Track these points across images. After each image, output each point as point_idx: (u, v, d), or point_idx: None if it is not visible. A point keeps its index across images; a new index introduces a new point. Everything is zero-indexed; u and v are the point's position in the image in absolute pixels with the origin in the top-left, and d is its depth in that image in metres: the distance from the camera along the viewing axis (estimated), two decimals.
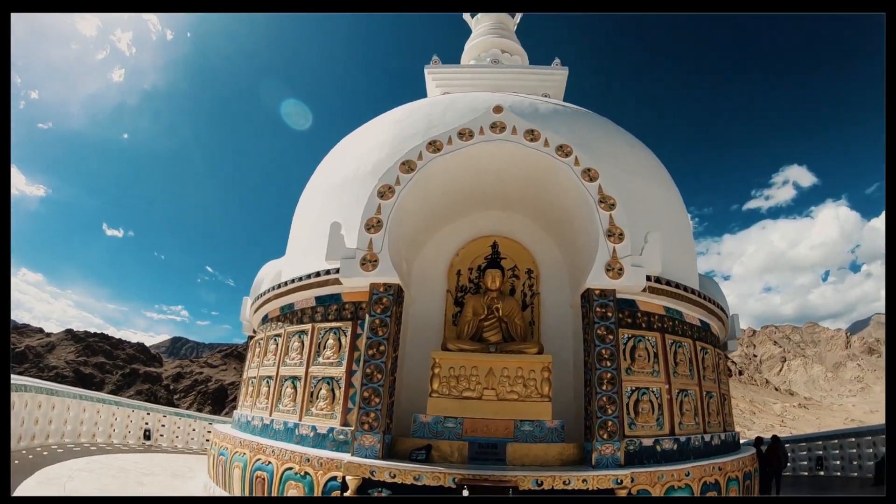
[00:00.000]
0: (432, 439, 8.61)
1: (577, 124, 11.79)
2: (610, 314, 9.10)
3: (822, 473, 15.99)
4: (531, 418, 8.88)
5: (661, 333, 10.05)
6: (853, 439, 15.32)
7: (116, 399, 17.98)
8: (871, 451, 14.51)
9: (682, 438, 9.60)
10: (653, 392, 9.50)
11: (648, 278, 9.59)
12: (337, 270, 9.40)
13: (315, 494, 8.07)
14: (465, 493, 7.03)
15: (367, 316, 8.84)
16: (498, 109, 9.92)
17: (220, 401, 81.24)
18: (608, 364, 8.80)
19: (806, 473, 16.68)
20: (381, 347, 8.61)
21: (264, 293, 11.34)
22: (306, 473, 8.28)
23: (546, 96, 15.14)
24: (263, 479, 8.83)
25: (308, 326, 9.95)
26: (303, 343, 9.94)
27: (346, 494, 7.65)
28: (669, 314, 10.42)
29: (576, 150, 9.66)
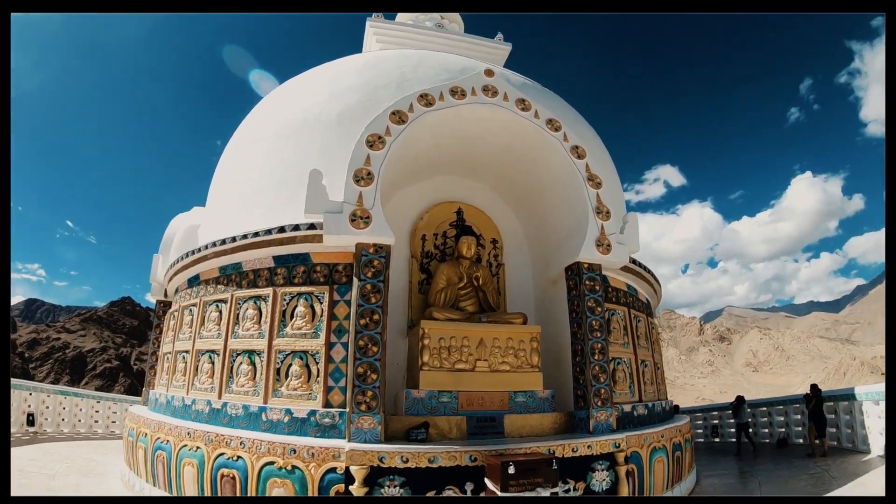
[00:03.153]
0: (428, 416, 7.47)
1: (552, 101, 11.24)
2: (598, 287, 8.82)
3: (716, 440, 17.50)
4: (524, 389, 8.25)
5: (628, 308, 10.10)
6: (765, 409, 16.73)
7: None
8: (781, 419, 15.86)
9: (650, 404, 9.88)
10: (625, 362, 9.50)
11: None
12: (303, 227, 7.88)
13: (310, 491, 6.45)
14: (512, 469, 6.17)
15: (356, 280, 7.33)
16: (489, 73, 9.05)
17: (79, 369, 70.55)
18: (598, 335, 8.56)
19: (702, 440, 18.07)
20: (376, 316, 7.21)
21: (199, 249, 9.15)
22: (294, 468, 6.61)
23: None
24: (233, 478, 6.94)
25: (267, 291, 8.14)
26: (260, 310, 8.12)
27: (353, 488, 6.24)
28: (630, 290, 10.54)
29: (564, 127, 9.27)
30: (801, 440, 14.05)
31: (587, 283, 8.75)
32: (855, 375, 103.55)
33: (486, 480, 6.46)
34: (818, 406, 12.98)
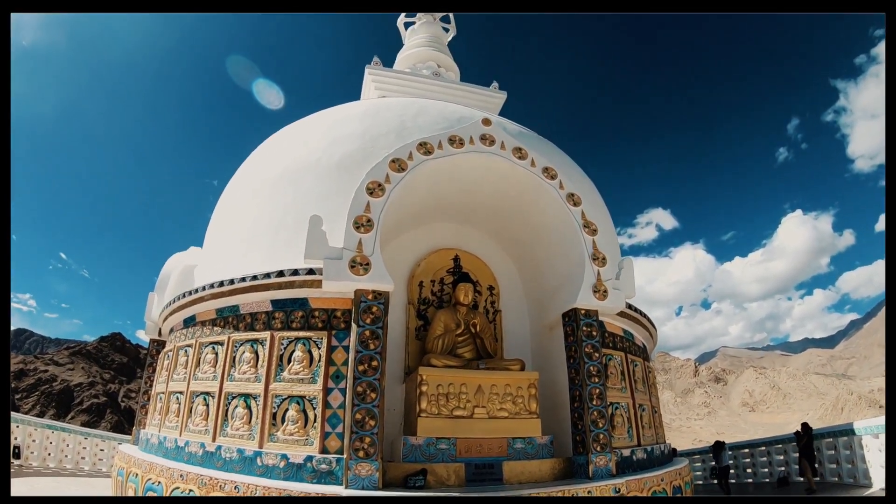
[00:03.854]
0: (426, 462, 7.37)
1: (548, 149, 11.48)
2: (595, 333, 8.86)
3: (716, 482, 17.28)
4: (522, 435, 8.19)
5: (625, 353, 10.12)
6: (763, 448, 16.63)
7: None
8: (781, 457, 15.75)
9: (648, 448, 9.81)
10: (622, 407, 9.46)
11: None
12: (302, 271, 7.93)
13: None
14: None
15: (354, 326, 7.33)
16: (487, 122, 9.25)
17: (65, 403, 69.05)
18: (596, 380, 8.56)
19: (701, 482, 17.88)
20: (374, 363, 7.19)
21: (196, 290, 9.13)
22: None
23: None
24: None
25: (265, 335, 8.10)
26: (257, 354, 8.05)
27: None
28: (626, 335, 10.59)
29: (560, 175, 9.45)
30: (801, 479, 13.97)
31: (584, 328, 8.79)
32: (853, 410, 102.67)
33: None
34: (809, 443, 13.18)
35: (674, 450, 13.45)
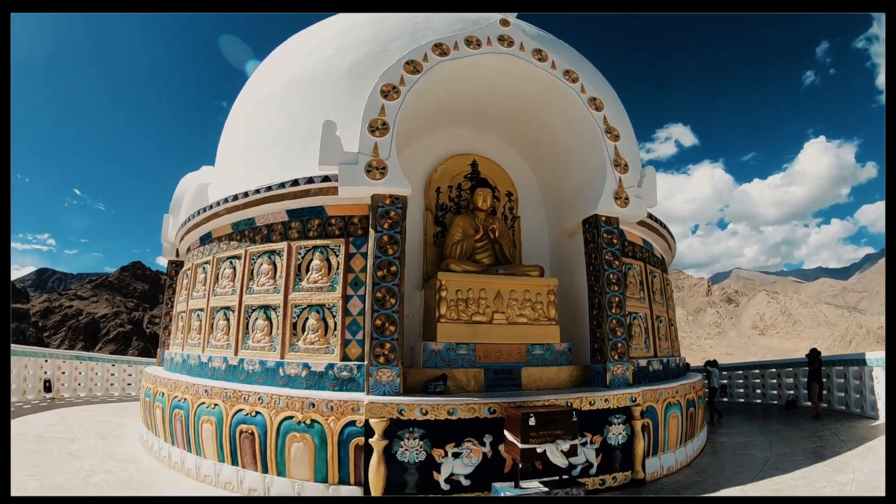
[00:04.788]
0: (445, 368, 7.45)
1: (568, 52, 10.91)
2: (616, 241, 8.70)
3: (724, 399, 17.55)
4: (541, 342, 8.20)
5: (644, 263, 9.97)
6: (774, 370, 16.75)
7: (11, 348, 14.29)
8: (790, 380, 15.89)
9: (664, 360, 9.83)
10: (640, 317, 9.40)
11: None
12: (317, 179, 7.75)
13: (329, 445, 6.48)
14: (532, 421, 6.15)
15: (372, 231, 7.23)
16: (505, 22, 8.75)
17: (92, 335, 72.13)
18: (616, 289, 8.46)
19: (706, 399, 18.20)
20: (393, 268, 7.11)
21: (210, 207, 9.07)
22: (313, 422, 6.60)
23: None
24: (252, 433, 6.94)
25: (282, 245, 8.03)
26: (275, 265, 8.03)
27: (372, 440, 6.24)
28: (645, 245, 10.42)
29: (581, 78, 9.02)
30: (809, 403, 14.07)
31: (605, 236, 8.62)
32: (861, 344, 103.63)
33: (506, 432, 6.47)
34: (818, 368, 13.16)
35: (687, 364, 13.51)
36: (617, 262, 8.61)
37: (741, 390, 17.65)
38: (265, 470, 6.85)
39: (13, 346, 14.62)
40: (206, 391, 7.74)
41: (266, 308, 7.94)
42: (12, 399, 13.38)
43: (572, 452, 6.32)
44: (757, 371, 17.38)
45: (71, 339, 72.00)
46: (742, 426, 12.46)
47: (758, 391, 17.22)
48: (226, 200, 8.75)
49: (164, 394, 8.75)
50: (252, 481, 6.91)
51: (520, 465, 6.34)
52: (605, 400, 7.53)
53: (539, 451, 6.17)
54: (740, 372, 17.92)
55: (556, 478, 6.73)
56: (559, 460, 6.21)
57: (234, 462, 7.13)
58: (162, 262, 12.94)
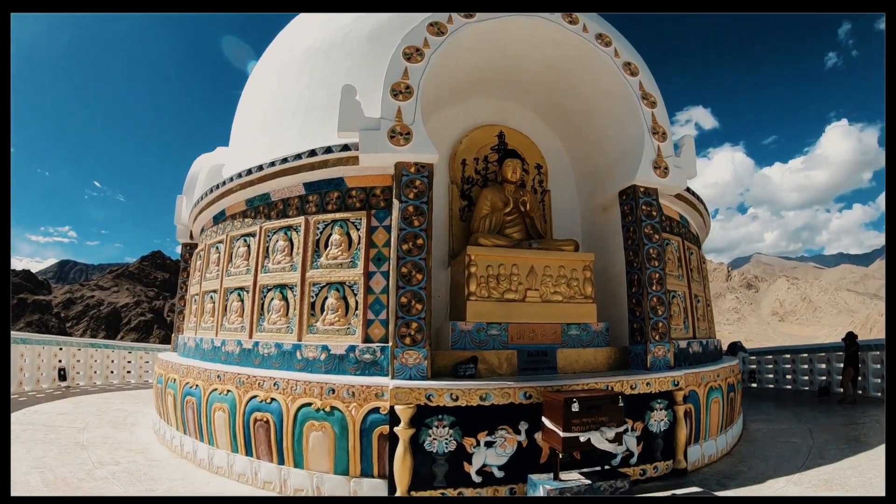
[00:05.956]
0: (475, 350, 6.85)
1: (599, 18, 10.33)
2: (655, 213, 8.03)
3: (753, 385, 16.86)
4: (577, 321, 7.57)
5: (681, 238, 9.31)
6: (806, 355, 15.94)
7: (23, 336, 13.89)
8: (823, 366, 15.20)
9: (703, 342, 9.15)
10: (679, 296, 8.74)
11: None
12: (336, 148, 7.15)
13: (350, 434, 5.93)
14: (576, 406, 5.56)
15: (396, 202, 6.63)
16: None
17: (113, 325, 73.35)
18: (656, 264, 7.81)
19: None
20: (419, 241, 6.50)
21: (224, 183, 8.54)
22: (333, 409, 6.03)
23: None
24: (267, 422, 6.40)
25: (299, 220, 7.47)
26: (291, 241, 7.46)
27: (398, 429, 5.68)
28: (682, 221, 9.76)
29: (614, 42, 8.35)
30: (841, 389, 13.36)
31: (643, 208, 7.97)
32: (881, 332, 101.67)
33: (544, 419, 5.88)
34: (856, 353, 12.48)
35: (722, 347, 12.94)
36: (657, 237, 7.96)
37: (770, 376, 16.90)
38: (281, 461, 6.31)
39: (27, 335, 14.34)
40: (218, 377, 7.21)
41: (282, 287, 7.39)
42: (26, 388, 13.08)
43: (617, 441, 5.74)
44: (788, 356, 16.62)
45: (93, 328, 73.00)
46: (776, 413, 11.82)
47: (787, 377, 16.45)
48: (239, 175, 8.19)
49: (175, 380, 8.27)
50: (267, 473, 6.38)
51: (559, 456, 5.79)
52: (647, 384, 6.91)
53: (582, 439, 5.59)
54: (770, 357, 17.16)
55: (598, 468, 6.20)
56: (608, 448, 5.64)
57: (249, 452, 6.60)
58: (179, 245, 12.48)
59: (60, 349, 14.57)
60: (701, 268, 10.06)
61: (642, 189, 8.03)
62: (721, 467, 7.55)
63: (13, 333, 13.68)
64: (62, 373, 14.26)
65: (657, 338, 7.56)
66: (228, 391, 6.97)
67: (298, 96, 8.57)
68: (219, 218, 9.17)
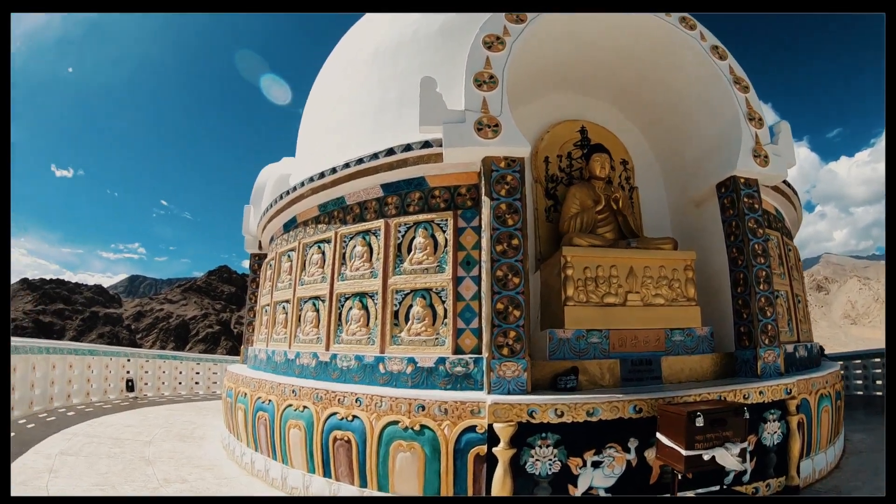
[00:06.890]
0: (575, 360, 6.21)
1: None
2: (757, 206, 7.24)
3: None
4: (681, 326, 6.86)
5: (780, 234, 8.53)
6: (878, 360, 14.75)
7: (91, 347, 13.93)
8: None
9: (808, 345, 8.35)
10: (782, 296, 7.95)
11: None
12: (416, 146, 6.69)
13: (443, 455, 5.36)
14: (700, 421, 4.93)
15: (487, 200, 6.07)
16: None
17: (182, 336, 76.36)
18: (762, 261, 7.04)
19: None
20: (515, 241, 5.91)
21: (294, 189, 8.16)
22: (423, 427, 5.48)
23: None
24: (348, 441, 5.88)
25: (378, 223, 6.99)
26: (370, 246, 7.00)
27: (497, 450, 5.09)
28: (777, 215, 8.98)
29: (698, 24, 7.69)
30: None
31: (745, 200, 7.20)
32: None
33: (660, 435, 5.21)
34: None
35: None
36: (761, 231, 7.19)
37: (859, 381, 15.66)
38: (363, 484, 5.77)
39: (94, 346, 14.37)
40: (293, 392, 6.74)
41: (362, 295, 6.93)
42: (93, 399, 13.05)
43: (742, 457, 5.07)
44: (878, 360, 15.36)
45: (162, 340, 75.66)
46: (872, 421, 10.85)
47: (878, 382, 15.17)
48: (311, 179, 7.80)
49: (246, 394, 7.86)
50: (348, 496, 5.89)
51: (679, 477, 5.17)
52: (760, 392, 6.17)
53: (706, 457, 4.94)
54: (858, 361, 15.92)
55: (715, 487, 5.56)
56: (734, 465, 4.97)
57: (327, 474, 6.09)
58: (248, 266, 12.21)
59: (128, 360, 14.57)
60: (798, 265, 9.22)
61: (743, 180, 7.28)
62: (833, 483, 6.82)
63: (80, 345, 13.73)
64: (130, 384, 14.25)
65: (767, 342, 6.81)
66: (305, 407, 6.49)
67: (368, 96, 8.17)
68: (289, 225, 8.81)
